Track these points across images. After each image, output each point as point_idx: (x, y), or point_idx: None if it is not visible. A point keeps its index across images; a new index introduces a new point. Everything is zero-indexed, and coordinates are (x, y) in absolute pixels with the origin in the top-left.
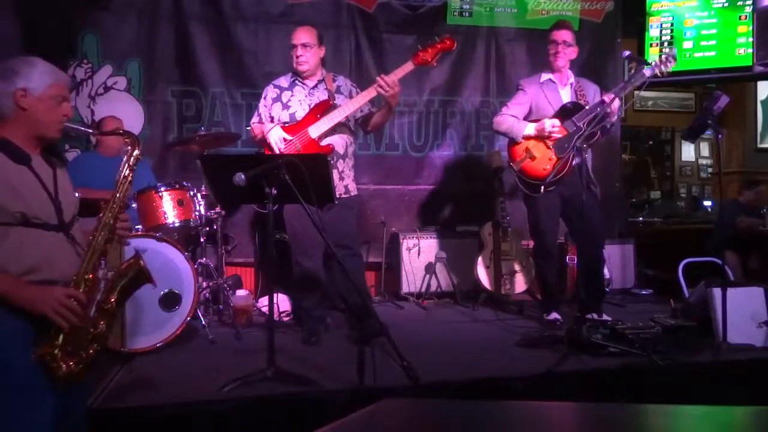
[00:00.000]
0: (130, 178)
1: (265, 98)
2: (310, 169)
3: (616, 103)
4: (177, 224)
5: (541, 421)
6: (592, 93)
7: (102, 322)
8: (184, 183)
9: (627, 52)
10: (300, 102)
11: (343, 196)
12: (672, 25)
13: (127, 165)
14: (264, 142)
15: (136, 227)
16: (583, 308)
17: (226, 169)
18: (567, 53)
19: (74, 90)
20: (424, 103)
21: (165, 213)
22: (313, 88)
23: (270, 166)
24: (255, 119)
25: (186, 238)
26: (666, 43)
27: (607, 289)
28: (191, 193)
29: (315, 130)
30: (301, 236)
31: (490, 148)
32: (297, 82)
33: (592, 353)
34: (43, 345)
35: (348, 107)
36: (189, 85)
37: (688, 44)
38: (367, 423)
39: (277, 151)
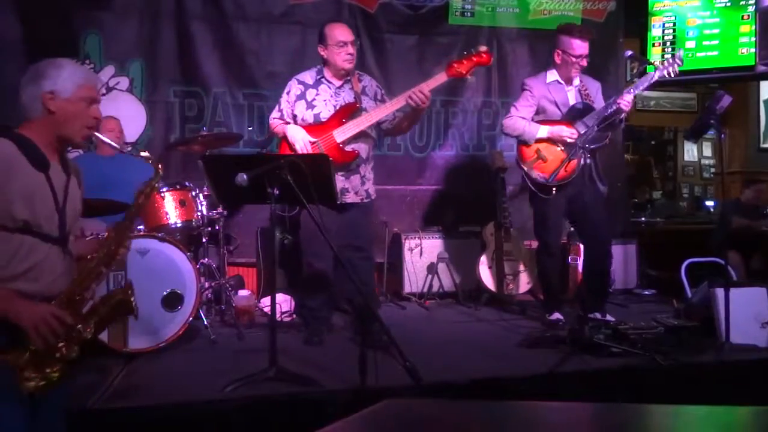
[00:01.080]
0: (144, 205)
1: (288, 93)
2: (311, 170)
3: (630, 98)
4: (179, 224)
5: (544, 421)
6: (595, 90)
7: (75, 347)
8: (186, 183)
9: (629, 52)
10: (325, 102)
11: (364, 200)
12: (674, 24)
13: (144, 193)
14: (282, 141)
15: (138, 227)
16: (586, 308)
17: (228, 169)
18: (585, 65)
19: None
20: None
21: (167, 213)
22: (338, 87)
23: (272, 167)
24: (276, 114)
25: (188, 238)
26: (668, 43)
27: (609, 290)
28: (193, 193)
29: (340, 135)
30: (315, 237)
31: (492, 148)
32: (323, 80)
33: (595, 353)
34: (11, 351)
35: (375, 115)
36: (191, 85)
37: (690, 44)
38: (369, 423)
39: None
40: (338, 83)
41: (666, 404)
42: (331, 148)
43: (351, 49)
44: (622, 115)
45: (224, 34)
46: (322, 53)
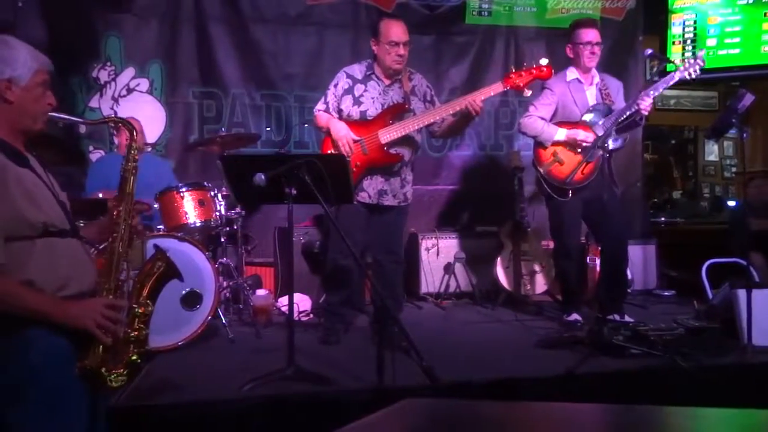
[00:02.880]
0: (134, 171)
1: (335, 86)
2: (329, 170)
3: (649, 101)
4: (198, 224)
5: (562, 422)
6: (615, 90)
7: (140, 325)
8: (205, 183)
9: (649, 51)
10: (373, 100)
11: (401, 203)
12: (695, 22)
13: (128, 156)
14: (326, 137)
15: (158, 227)
16: (604, 309)
17: (246, 169)
18: (598, 53)
19: (98, 92)
20: (443, 103)
21: (186, 213)
22: (388, 86)
23: (290, 167)
24: (321, 106)
25: (207, 238)
26: (689, 41)
27: (628, 290)
28: (212, 193)
29: (385, 136)
30: (345, 235)
31: (510, 148)
32: (373, 76)
33: (613, 355)
34: (85, 357)
35: (422, 120)
36: (209, 86)
37: (711, 41)
38: (389, 423)
39: (344, 153)
40: (388, 81)
41: (686, 406)
42: (374, 148)
43: (402, 50)
44: (640, 118)
45: (242, 36)
46: (373, 47)
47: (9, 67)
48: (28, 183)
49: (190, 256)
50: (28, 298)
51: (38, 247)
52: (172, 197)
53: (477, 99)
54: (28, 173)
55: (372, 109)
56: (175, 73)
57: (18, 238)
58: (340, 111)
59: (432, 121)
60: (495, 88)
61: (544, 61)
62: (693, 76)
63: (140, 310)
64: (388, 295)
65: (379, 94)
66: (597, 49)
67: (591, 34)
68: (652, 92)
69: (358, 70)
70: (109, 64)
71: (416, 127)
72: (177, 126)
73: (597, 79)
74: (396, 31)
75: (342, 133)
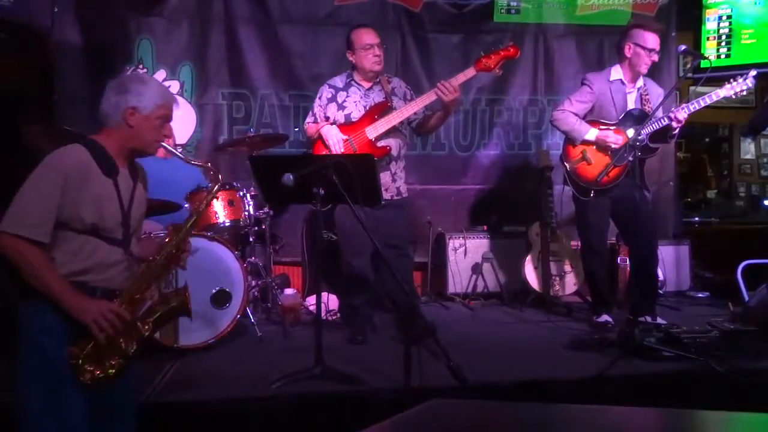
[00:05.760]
0: (201, 215)
1: (320, 98)
2: (357, 170)
3: (684, 115)
4: (227, 224)
5: (592, 425)
6: (656, 97)
7: (133, 343)
8: (235, 183)
9: (683, 47)
10: (355, 103)
11: (395, 197)
12: (730, 17)
13: (205, 200)
14: (316, 141)
15: None
16: (636, 310)
17: (274, 169)
18: (655, 59)
19: None
20: (471, 102)
21: (216, 213)
22: (368, 89)
23: (318, 167)
24: (310, 119)
25: (236, 237)
26: (724, 36)
27: (660, 291)
28: (241, 193)
29: (372, 131)
30: (352, 236)
31: (538, 147)
32: (353, 83)
33: (645, 357)
34: (74, 345)
35: (406, 110)
36: (239, 87)
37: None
38: (416, 422)
39: (335, 152)
40: (368, 85)
41: (721, 411)
42: (363, 144)
43: (378, 51)
44: (675, 131)
45: (271, 37)
46: (350, 58)
47: (136, 98)
48: (101, 189)
49: (220, 256)
50: (52, 277)
51: (78, 240)
52: (202, 197)
53: (454, 83)
54: (107, 182)
55: (355, 111)
56: (205, 75)
57: (67, 228)
58: (326, 119)
59: (415, 110)
60: (468, 73)
61: (510, 42)
62: (743, 94)
63: (142, 329)
64: (400, 289)
65: (361, 98)
66: (657, 57)
67: (657, 42)
68: (689, 107)
69: (339, 80)
70: (141, 66)
71: (401, 118)
72: (207, 127)
73: (640, 83)
74: (367, 35)
75: (332, 132)
